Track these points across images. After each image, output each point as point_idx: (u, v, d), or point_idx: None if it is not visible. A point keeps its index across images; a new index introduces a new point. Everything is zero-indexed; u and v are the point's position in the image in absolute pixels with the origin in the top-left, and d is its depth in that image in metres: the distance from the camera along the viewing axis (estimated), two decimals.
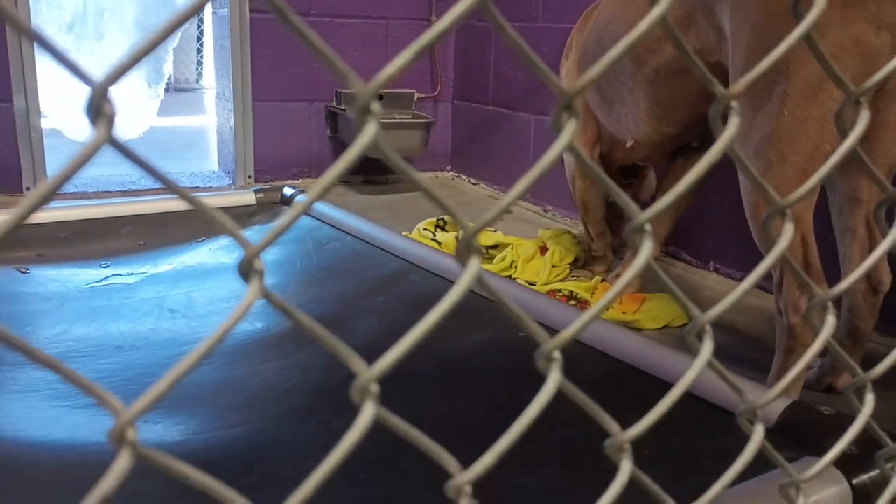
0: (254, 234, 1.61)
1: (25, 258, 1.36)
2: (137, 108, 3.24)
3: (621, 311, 1.51)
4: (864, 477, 0.59)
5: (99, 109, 0.20)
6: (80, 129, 3.11)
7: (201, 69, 6.10)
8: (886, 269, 1.16)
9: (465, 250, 0.26)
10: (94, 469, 0.76)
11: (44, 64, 2.45)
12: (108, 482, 0.21)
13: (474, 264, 0.26)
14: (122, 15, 3.07)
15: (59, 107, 3.04)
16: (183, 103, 4.38)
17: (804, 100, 1.03)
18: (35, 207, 0.22)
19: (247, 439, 0.79)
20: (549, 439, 0.77)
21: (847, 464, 0.60)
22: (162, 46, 3.44)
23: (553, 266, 1.73)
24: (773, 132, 1.06)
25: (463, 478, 0.28)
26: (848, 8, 1.01)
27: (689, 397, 0.82)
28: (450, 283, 1.23)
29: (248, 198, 1.76)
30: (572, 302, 1.51)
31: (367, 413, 0.26)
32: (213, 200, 1.73)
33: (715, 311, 0.32)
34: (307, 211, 0.23)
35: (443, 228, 1.94)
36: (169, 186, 0.21)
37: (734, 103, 0.30)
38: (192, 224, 1.60)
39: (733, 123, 0.30)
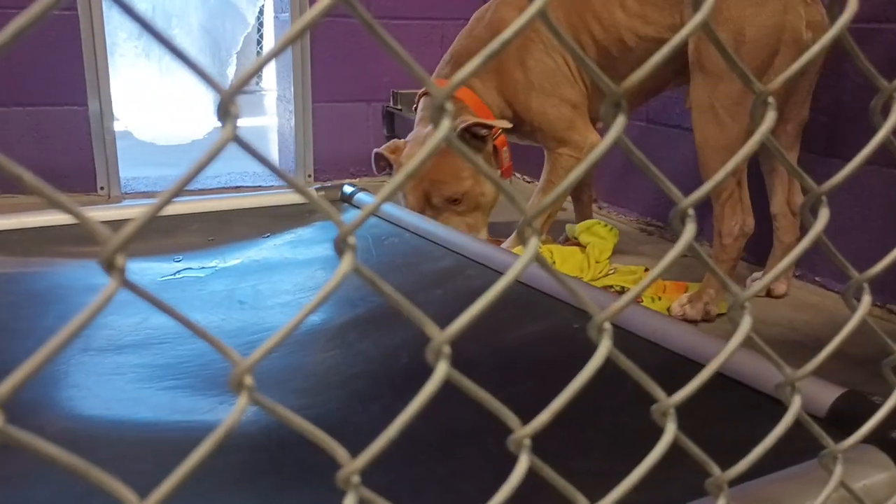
0: (315, 230, 1.67)
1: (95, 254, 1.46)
2: (202, 110, 3.36)
3: (668, 299, 1.53)
4: None
5: (227, 111, 0.24)
6: (149, 131, 3.24)
7: (262, 72, 6.27)
8: (799, 193, 1.58)
9: (525, 231, 0.30)
10: (176, 444, 0.82)
11: (115, 70, 2.57)
12: (233, 418, 0.26)
13: (534, 242, 0.30)
14: (188, 20, 3.19)
15: (129, 110, 3.18)
16: (244, 105, 4.50)
17: (756, 75, 1.36)
18: (169, 199, 0.26)
19: (313, 421, 0.84)
20: (599, 425, 0.80)
21: None
22: (225, 50, 3.56)
23: (596, 262, 1.74)
24: (732, 99, 1.41)
25: (524, 431, 0.32)
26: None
27: (728, 383, 0.84)
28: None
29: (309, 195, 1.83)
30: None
31: (441, 371, 0.30)
32: (276, 198, 1.81)
33: (754, 289, 0.35)
34: (391, 196, 0.27)
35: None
36: (285, 179, 0.26)
37: (771, 98, 0.33)
38: (257, 221, 1.68)
39: (770, 117, 0.33)
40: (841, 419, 0.78)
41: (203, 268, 1.42)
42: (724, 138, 1.43)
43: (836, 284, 1.64)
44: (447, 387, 0.30)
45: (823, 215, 0.35)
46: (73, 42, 2.35)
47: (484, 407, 0.30)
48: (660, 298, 1.52)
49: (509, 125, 1.68)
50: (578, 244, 1.86)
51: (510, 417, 0.32)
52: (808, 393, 0.79)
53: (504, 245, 1.81)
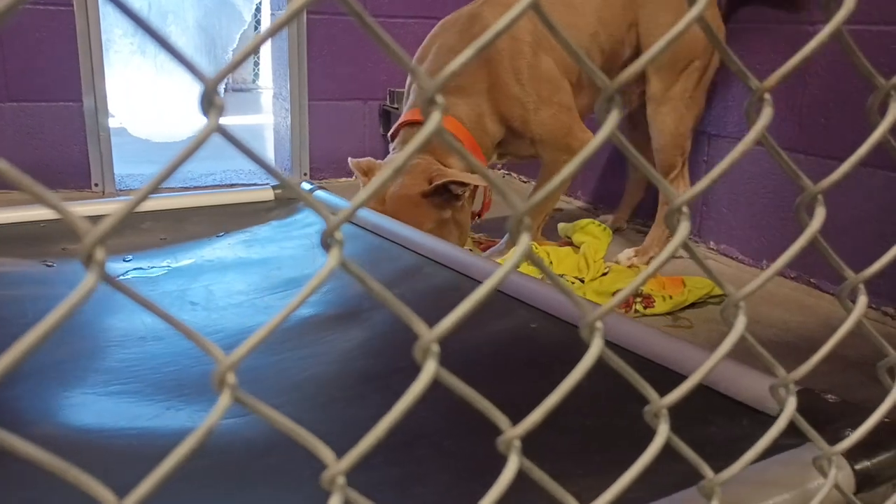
0: (271, 229, 1.64)
1: (50, 252, 1.41)
2: (197, 107, 3.34)
3: (669, 294, 1.53)
4: (867, 462, 0.59)
5: (211, 101, 0.24)
6: (144, 128, 3.23)
7: (258, 70, 6.25)
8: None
9: (518, 227, 0.30)
10: (121, 451, 0.80)
11: (110, 67, 2.56)
12: (213, 417, 0.25)
13: (525, 239, 0.29)
14: (184, 17, 3.18)
15: (124, 107, 3.16)
16: (241, 103, 4.51)
17: (708, 71, 1.74)
18: (149, 192, 0.26)
19: (264, 425, 0.83)
20: (563, 426, 0.80)
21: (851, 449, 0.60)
22: (221, 47, 3.54)
23: (593, 261, 1.73)
24: (689, 94, 1.71)
25: (514, 432, 0.31)
26: None
27: (702, 390, 0.83)
28: (461, 275, 1.26)
29: (267, 194, 1.81)
30: (638, 299, 1.52)
31: (429, 370, 0.29)
32: (231, 196, 1.76)
33: (749, 288, 0.34)
34: (382, 189, 0.27)
35: None
36: (270, 171, 0.25)
37: (767, 96, 0.32)
38: (211, 220, 1.64)
39: (766, 114, 0.32)
40: (794, 417, 0.77)
41: (154, 268, 1.39)
42: (682, 126, 1.73)
43: (831, 286, 1.64)
44: (403, 389, 0.29)
45: (819, 214, 0.34)
46: (68, 38, 2.34)
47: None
48: (671, 297, 1.52)
49: (485, 183, 1.61)
50: (571, 244, 1.85)
51: (500, 418, 0.31)
52: (760, 390, 0.79)
53: (497, 247, 1.81)
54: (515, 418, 0.32)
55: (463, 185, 1.55)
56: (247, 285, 1.29)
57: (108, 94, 2.45)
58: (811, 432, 0.39)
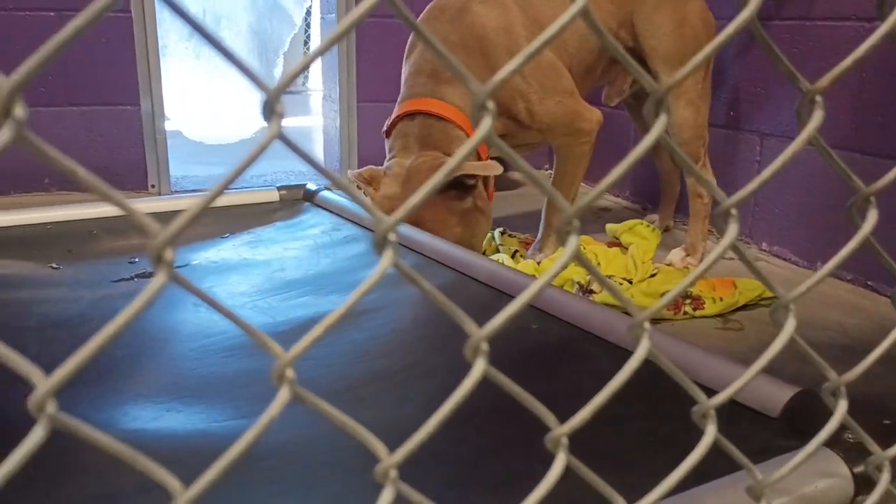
0: (275, 230, 1.65)
1: (56, 255, 1.44)
2: (250, 110, 3.42)
3: (720, 296, 1.51)
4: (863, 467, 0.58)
5: (272, 109, 0.25)
6: (199, 130, 3.31)
7: (307, 73, 6.34)
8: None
9: (566, 229, 0.30)
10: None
11: (166, 71, 2.63)
12: (273, 410, 0.26)
13: (573, 241, 0.30)
14: (238, 21, 3.25)
15: (180, 110, 3.25)
16: (290, 105, 4.58)
17: (711, 62, 1.81)
18: (217, 194, 0.27)
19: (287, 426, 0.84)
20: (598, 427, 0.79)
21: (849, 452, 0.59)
22: (273, 51, 3.61)
23: (642, 262, 1.71)
24: (700, 85, 1.76)
25: (561, 430, 0.32)
26: None
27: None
28: (463, 275, 1.26)
29: (272, 195, 1.81)
30: (687, 301, 1.50)
31: (479, 368, 0.30)
32: (235, 197, 1.78)
33: (798, 291, 0.34)
34: (434, 192, 0.28)
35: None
36: (326, 175, 0.26)
37: (819, 97, 0.32)
38: (216, 221, 1.65)
39: (817, 116, 0.32)
40: (794, 419, 0.75)
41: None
42: (700, 117, 1.77)
43: (888, 289, 1.60)
44: (409, 388, 0.30)
45: (871, 217, 0.34)
46: (126, 44, 2.41)
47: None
48: (721, 299, 1.50)
49: (499, 170, 1.55)
50: (619, 245, 1.84)
51: (547, 415, 0.32)
52: (761, 392, 0.78)
53: (536, 245, 1.79)
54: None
55: (474, 177, 1.52)
56: (250, 286, 1.29)
57: (165, 97, 2.52)
58: (861, 434, 0.39)
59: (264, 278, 1.34)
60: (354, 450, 0.78)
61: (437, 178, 0.27)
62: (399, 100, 1.67)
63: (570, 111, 1.66)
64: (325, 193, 1.81)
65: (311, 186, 1.86)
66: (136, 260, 1.45)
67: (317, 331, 0.27)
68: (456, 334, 1.07)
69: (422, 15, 1.70)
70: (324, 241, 1.55)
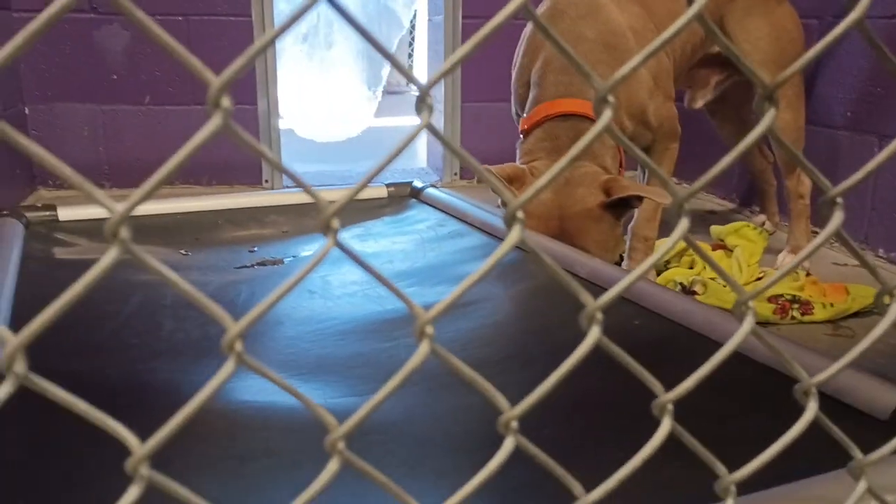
0: (384, 224, 1.73)
1: (185, 242, 1.56)
2: (358, 109, 3.54)
3: (830, 301, 1.47)
4: None
5: (423, 100, 0.29)
6: (309, 129, 3.46)
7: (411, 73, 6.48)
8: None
9: (678, 211, 0.33)
10: (242, 419, 0.87)
11: (282, 71, 2.76)
12: (415, 361, 0.31)
13: (684, 223, 0.33)
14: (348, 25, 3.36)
15: (293, 109, 3.40)
16: (394, 105, 4.71)
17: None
18: (372, 177, 0.32)
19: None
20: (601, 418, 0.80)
21: None
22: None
23: (747, 265, 1.68)
24: (797, 86, 1.75)
25: (667, 397, 0.35)
26: None
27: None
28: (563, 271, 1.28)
29: (381, 191, 1.92)
30: (795, 305, 1.47)
31: (594, 334, 0.33)
32: (346, 193, 1.87)
33: None
34: (560, 175, 0.31)
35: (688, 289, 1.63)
36: (479, 173, 0.30)
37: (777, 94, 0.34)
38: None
39: (770, 115, 0.33)
40: None
41: (276, 258, 1.49)
42: (800, 119, 1.76)
43: None
44: (515, 376, 0.33)
45: (837, 217, 0.35)
46: (246, 46, 2.56)
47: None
48: (832, 305, 1.46)
49: (668, 200, 1.45)
50: (725, 247, 1.81)
51: (654, 383, 0.35)
52: (870, 394, 0.76)
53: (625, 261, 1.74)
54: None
55: (640, 199, 1.44)
56: (360, 276, 1.37)
57: (279, 97, 2.65)
58: None
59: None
60: (462, 430, 0.83)
61: (563, 162, 0.31)
62: (537, 96, 1.55)
63: (674, 114, 1.67)
64: (431, 190, 1.88)
65: (418, 184, 1.93)
66: (256, 249, 1.55)
67: (454, 295, 0.31)
68: (555, 327, 1.11)
69: (542, 10, 1.63)
70: (430, 235, 1.62)
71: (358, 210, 1.82)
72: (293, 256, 1.51)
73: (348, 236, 1.64)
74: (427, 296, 1.27)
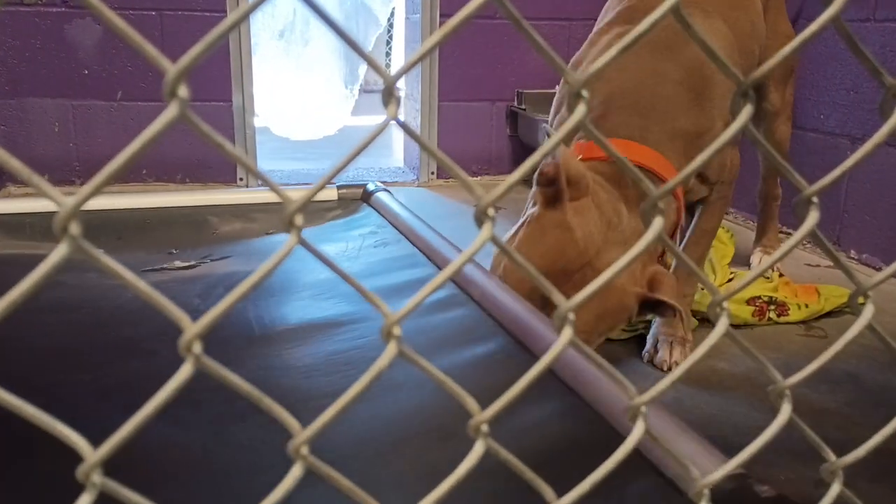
0: (323, 229, 1.66)
1: (107, 242, 1.50)
2: (334, 107, 3.51)
3: (804, 302, 1.49)
4: None
5: (391, 93, 0.28)
6: (284, 127, 3.43)
7: (389, 71, 6.46)
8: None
9: (652, 212, 0.32)
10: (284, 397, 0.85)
11: (257, 68, 2.73)
12: (382, 363, 0.30)
13: (658, 223, 0.32)
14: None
15: (268, 106, 3.37)
16: (371, 104, 4.69)
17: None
18: (332, 177, 0.30)
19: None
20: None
21: None
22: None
23: (721, 267, 1.69)
24: (791, 100, 1.76)
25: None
26: None
27: None
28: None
29: (331, 193, 1.80)
30: (772, 307, 1.48)
31: (566, 335, 0.33)
32: (294, 194, 1.80)
33: (878, 278, 0.35)
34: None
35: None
36: (450, 170, 0.29)
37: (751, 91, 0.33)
38: (264, 218, 1.69)
39: (746, 111, 0.33)
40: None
41: (197, 260, 1.45)
42: (790, 131, 1.77)
43: None
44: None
45: (812, 217, 0.34)
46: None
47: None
48: (806, 306, 1.48)
49: (693, 326, 1.32)
50: None
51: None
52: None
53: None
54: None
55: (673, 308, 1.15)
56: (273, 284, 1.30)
57: (255, 94, 2.62)
58: None
59: (304, 274, 1.34)
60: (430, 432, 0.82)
61: (529, 163, 0.30)
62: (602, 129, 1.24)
63: (738, 161, 1.39)
64: (380, 195, 1.77)
65: (371, 186, 1.81)
66: (176, 251, 1.51)
67: (421, 294, 0.30)
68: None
69: (606, 17, 1.38)
70: (358, 243, 1.53)
71: (306, 212, 1.76)
72: (228, 256, 1.47)
73: (279, 242, 1.57)
74: (317, 310, 1.20)
